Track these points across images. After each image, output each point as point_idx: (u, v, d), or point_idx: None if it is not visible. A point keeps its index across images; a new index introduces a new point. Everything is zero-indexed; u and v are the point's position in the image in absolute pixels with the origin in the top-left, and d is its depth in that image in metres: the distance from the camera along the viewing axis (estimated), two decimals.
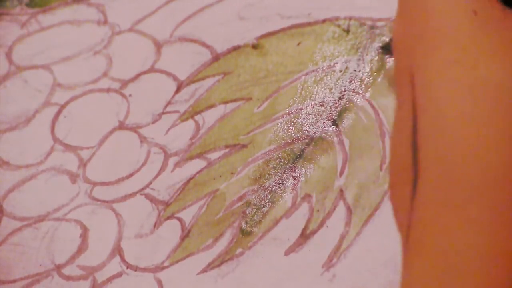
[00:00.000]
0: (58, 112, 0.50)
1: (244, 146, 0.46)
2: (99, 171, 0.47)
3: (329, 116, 0.46)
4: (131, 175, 0.47)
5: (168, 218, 0.45)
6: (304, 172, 0.45)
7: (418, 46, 0.30)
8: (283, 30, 0.50)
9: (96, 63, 0.51)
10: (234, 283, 0.42)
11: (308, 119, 0.46)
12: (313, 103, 0.47)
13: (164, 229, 0.44)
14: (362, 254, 0.41)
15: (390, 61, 0.47)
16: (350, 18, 0.49)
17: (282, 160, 0.45)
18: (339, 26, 0.49)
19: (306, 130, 0.46)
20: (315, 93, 0.47)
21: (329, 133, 0.45)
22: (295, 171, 0.45)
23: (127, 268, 0.44)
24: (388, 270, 0.40)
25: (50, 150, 0.48)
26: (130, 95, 0.50)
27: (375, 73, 0.47)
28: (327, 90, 0.47)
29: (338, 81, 0.47)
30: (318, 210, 0.43)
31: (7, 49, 0.53)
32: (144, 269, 0.43)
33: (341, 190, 0.43)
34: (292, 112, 0.47)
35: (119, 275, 0.43)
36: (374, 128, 0.45)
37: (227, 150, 0.46)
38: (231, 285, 0.42)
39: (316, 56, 0.48)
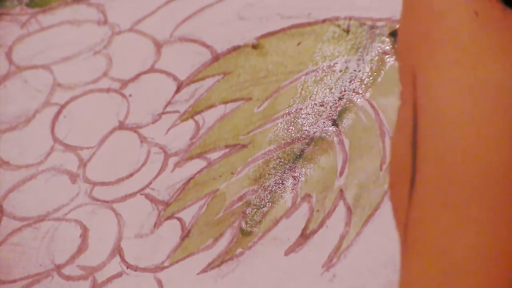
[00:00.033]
0: (58, 112, 0.50)
1: (244, 146, 0.46)
2: (99, 171, 0.47)
3: (329, 116, 0.46)
4: (131, 175, 0.47)
5: (168, 218, 0.45)
6: (304, 172, 0.45)
7: (422, 45, 0.30)
8: (283, 30, 0.50)
9: (96, 63, 0.51)
10: (234, 283, 0.42)
11: (308, 119, 0.46)
12: (313, 103, 0.47)
13: (164, 229, 0.44)
14: (362, 254, 0.41)
15: (390, 61, 0.47)
16: (350, 18, 0.49)
17: (282, 160, 0.45)
18: (339, 26, 0.49)
19: (306, 130, 0.46)
20: (315, 93, 0.47)
21: (329, 133, 0.45)
22: (295, 171, 0.45)
23: (127, 268, 0.44)
24: (388, 270, 0.40)
25: (50, 150, 0.48)
26: (130, 95, 0.50)
27: (375, 73, 0.47)
28: (327, 90, 0.47)
29: (338, 81, 0.47)
30: (318, 210, 0.43)
31: (7, 49, 0.53)
32: (144, 269, 0.43)
33: (341, 190, 0.43)
34: (292, 112, 0.47)
35: (119, 275, 0.43)
36: (374, 128, 0.45)
37: (227, 150, 0.46)
38: (231, 285, 0.42)
39: (316, 56, 0.48)
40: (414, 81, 0.30)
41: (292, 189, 0.44)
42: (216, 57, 0.50)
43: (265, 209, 0.44)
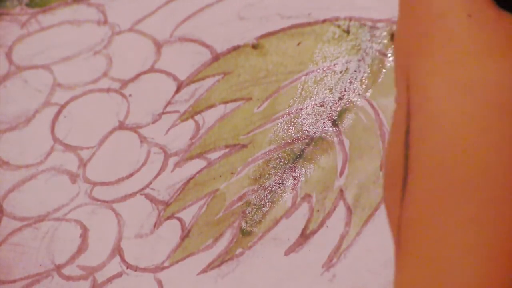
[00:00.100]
0: (58, 112, 0.50)
1: (244, 146, 0.46)
2: (99, 171, 0.47)
3: (329, 116, 0.46)
4: (131, 175, 0.47)
5: (168, 218, 0.45)
6: (304, 172, 0.45)
7: (420, 46, 0.30)
8: (283, 30, 0.50)
9: (96, 63, 0.51)
10: (234, 283, 0.42)
11: (308, 119, 0.46)
12: (313, 103, 0.47)
13: (164, 229, 0.44)
14: (362, 254, 0.42)
15: (390, 62, 0.47)
16: (350, 19, 0.49)
17: (282, 160, 0.45)
18: (339, 26, 0.49)
19: (306, 130, 0.46)
20: (315, 93, 0.47)
21: (329, 133, 0.45)
22: (295, 171, 0.45)
23: (127, 268, 0.44)
24: (388, 270, 0.40)
25: (50, 150, 0.48)
26: (130, 95, 0.50)
27: (375, 74, 0.47)
28: (327, 90, 0.47)
29: (338, 81, 0.47)
30: (318, 210, 0.43)
31: (7, 49, 0.53)
32: (144, 269, 0.43)
33: (341, 190, 0.43)
34: (292, 112, 0.47)
35: (119, 275, 0.43)
36: (374, 128, 0.45)
37: (227, 150, 0.46)
38: (231, 285, 0.42)
39: (316, 56, 0.48)
40: (408, 82, 0.30)
41: (292, 189, 0.44)
42: (216, 57, 0.50)
43: (265, 209, 0.44)
